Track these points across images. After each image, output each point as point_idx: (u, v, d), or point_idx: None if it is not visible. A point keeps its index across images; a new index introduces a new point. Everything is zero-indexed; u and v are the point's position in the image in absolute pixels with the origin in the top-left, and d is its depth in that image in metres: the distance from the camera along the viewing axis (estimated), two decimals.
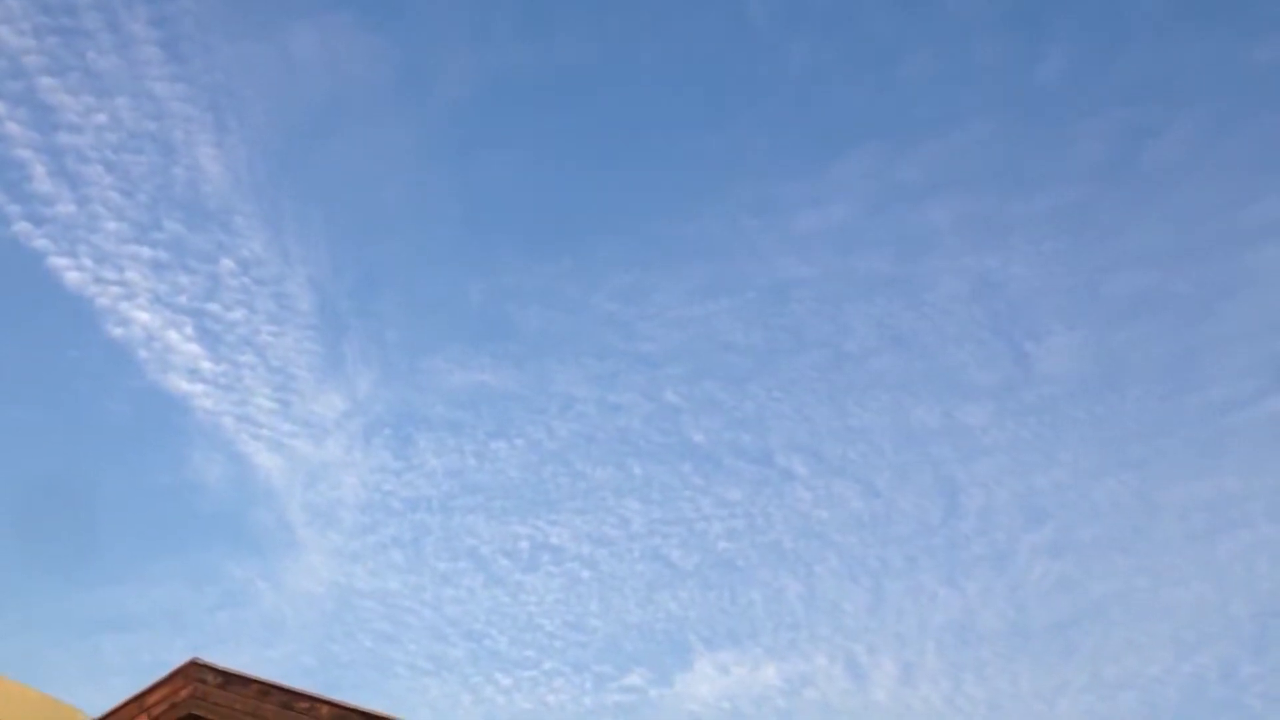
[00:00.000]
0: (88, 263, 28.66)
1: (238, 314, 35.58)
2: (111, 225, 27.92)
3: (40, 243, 28.93)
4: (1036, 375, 38.93)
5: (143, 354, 31.67)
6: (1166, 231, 39.72)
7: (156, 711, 6.15)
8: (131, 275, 28.80)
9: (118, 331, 31.04)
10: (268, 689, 5.50)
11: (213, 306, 31.62)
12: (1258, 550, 35.32)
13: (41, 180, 27.63)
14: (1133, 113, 39.26)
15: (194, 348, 31.15)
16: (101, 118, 26.99)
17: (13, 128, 26.85)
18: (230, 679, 6.02)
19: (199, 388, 32.19)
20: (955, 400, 38.75)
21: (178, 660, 6.56)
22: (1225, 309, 38.97)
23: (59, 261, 28.34)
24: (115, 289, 29.08)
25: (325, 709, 5.28)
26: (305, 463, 39.31)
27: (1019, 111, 40.07)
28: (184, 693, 6.10)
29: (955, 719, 35.10)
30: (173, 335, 29.39)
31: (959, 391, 39.25)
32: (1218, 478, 36.40)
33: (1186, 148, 39.34)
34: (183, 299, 31.53)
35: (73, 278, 28.39)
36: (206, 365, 31.70)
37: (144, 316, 28.61)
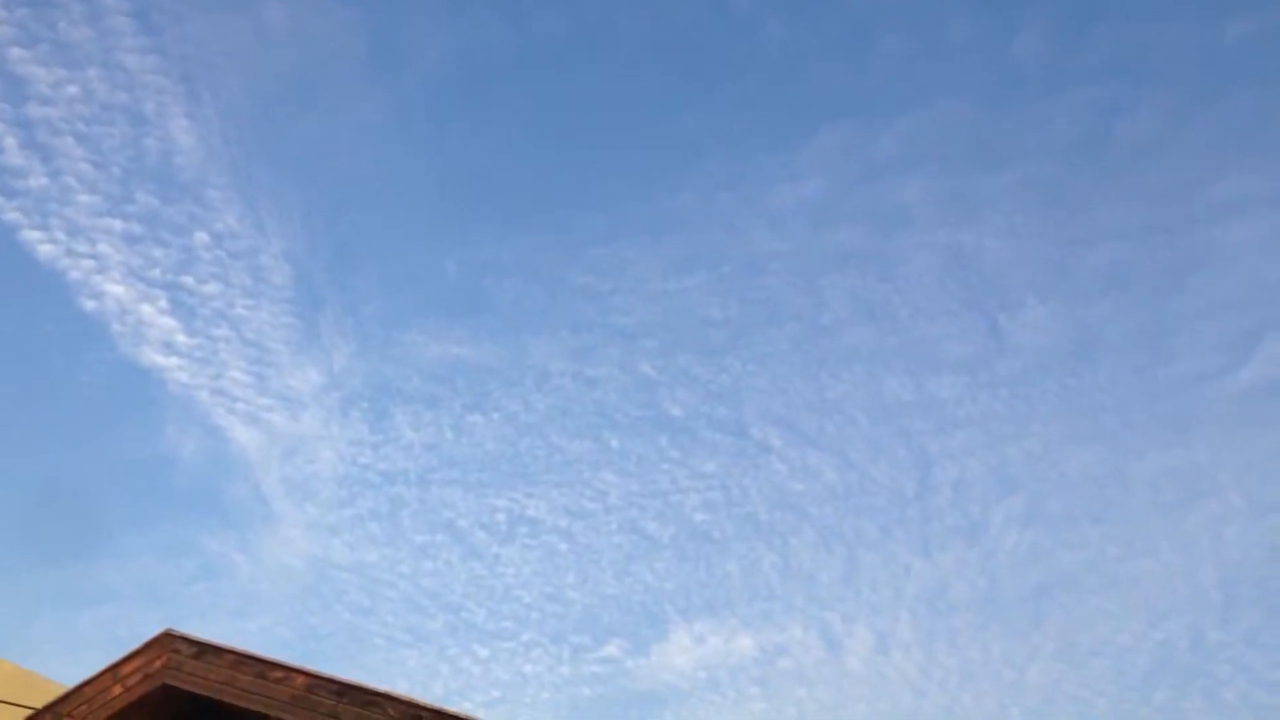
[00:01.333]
0: (60, 236, 28.38)
1: (212, 287, 35.26)
2: (84, 198, 27.66)
3: (12, 216, 28.62)
4: (1009, 348, 39.14)
5: (116, 327, 31.42)
6: (1138, 207, 39.92)
7: (131, 682, 6.17)
8: (104, 248, 28.55)
9: (91, 305, 30.75)
10: (242, 659, 5.53)
11: (187, 280, 31.36)
12: (1225, 520, 35.70)
13: (13, 153, 27.32)
14: (1105, 91, 39.35)
15: (168, 321, 30.91)
16: (73, 89, 26.69)
17: None
18: (204, 649, 6.04)
19: (173, 361, 31.98)
20: (929, 373, 38.94)
21: (153, 633, 6.58)
22: (1195, 284, 39.23)
23: (31, 235, 28.06)
24: (88, 262, 28.82)
25: (300, 678, 5.31)
26: (281, 436, 39.17)
27: (993, 89, 40.10)
28: (158, 663, 6.13)
29: (928, 687, 35.46)
30: (146, 309, 29.18)
31: (933, 364, 39.44)
32: (1187, 449, 36.74)
33: (1157, 125, 39.47)
34: (156, 272, 31.26)
35: (45, 251, 28.12)
36: (181, 339, 31.48)
37: (117, 290, 28.38)
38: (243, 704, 5.39)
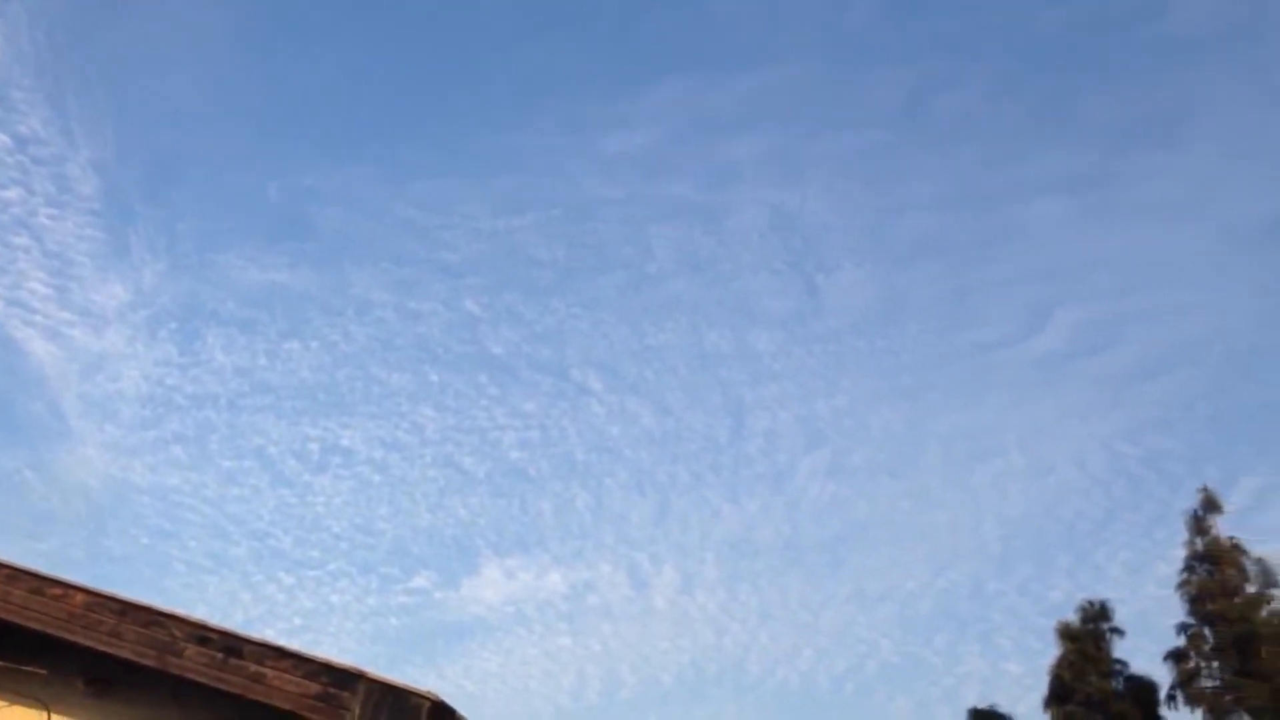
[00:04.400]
0: None
1: (12, 193, 33.07)
2: None
3: None
4: (825, 307, 40.35)
5: None
6: (950, 179, 41.46)
7: None
8: None
9: None
10: (16, 574, 5.21)
11: None
12: (1009, 478, 37.87)
13: None
14: (928, 65, 40.61)
15: None
16: None
17: None
18: None
19: None
20: (748, 326, 39.85)
21: None
22: (997, 255, 41.11)
23: None
24: None
25: (79, 596, 5.05)
26: (82, 352, 37.17)
27: (825, 54, 40.93)
28: None
29: (729, 625, 36.58)
30: None
31: (752, 318, 40.34)
32: (979, 411, 38.74)
33: (973, 102, 40.99)
34: None
35: None
36: None
37: None
38: (16, 620, 5.08)
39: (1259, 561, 23.43)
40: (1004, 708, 24.40)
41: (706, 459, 38.16)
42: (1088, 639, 23.94)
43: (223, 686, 4.70)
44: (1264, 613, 22.97)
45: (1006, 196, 40.25)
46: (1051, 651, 24.09)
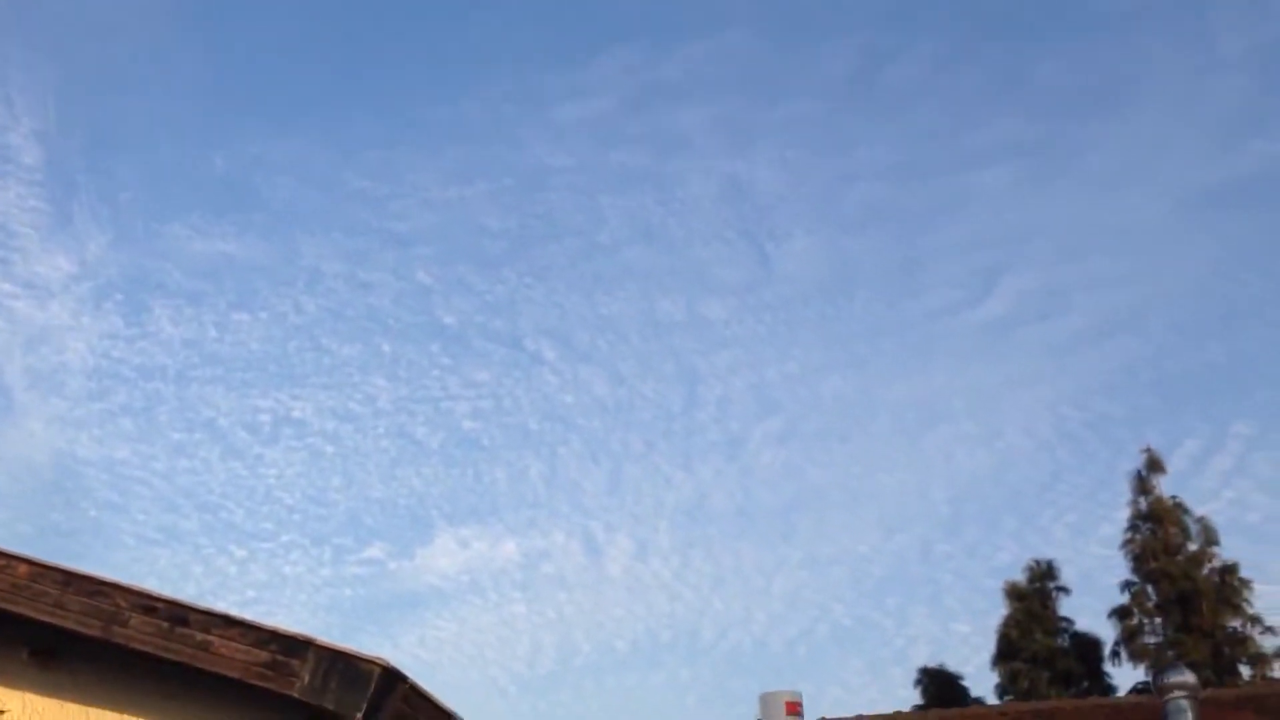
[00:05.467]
0: None
1: None
2: None
3: None
4: (776, 275, 40.43)
5: None
6: (899, 149, 41.61)
7: None
8: None
9: None
10: None
11: None
12: (956, 443, 38.28)
13: None
14: (876, 35, 40.65)
15: None
16: None
17: None
18: None
19: None
20: (700, 294, 39.87)
21: None
22: (944, 224, 41.38)
23: None
24: None
25: (22, 566, 4.98)
26: (26, 325, 36.53)
27: (775, 22, 40.80)
28: None
29: (683, 592, 36.81)
30: None
31: (704, 286, 40.36)
32: (927, 377, 39.09)
33: (922, 71, 41.11)
34: None
35: None
36: None
37: None
38: None
39: (1200, 520, 23.93)
40: (953, 666, 24.79)
41: (660, 427, 38.26)
42: (1034, 598, 24.34)
43: (169, 656, 4.66)
44: (1205, 570, 23.47)
45: (955, 165, 40.53)
46: (999, 611, 24.49)
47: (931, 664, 24.80)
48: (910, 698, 24.12)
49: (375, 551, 37.22)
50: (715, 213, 39.66)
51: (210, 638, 4.61)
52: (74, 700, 4.89)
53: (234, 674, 4.56)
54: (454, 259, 41.02)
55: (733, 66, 40.71)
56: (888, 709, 14.36)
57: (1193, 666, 11.10)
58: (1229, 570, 23.39)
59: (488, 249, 40.06)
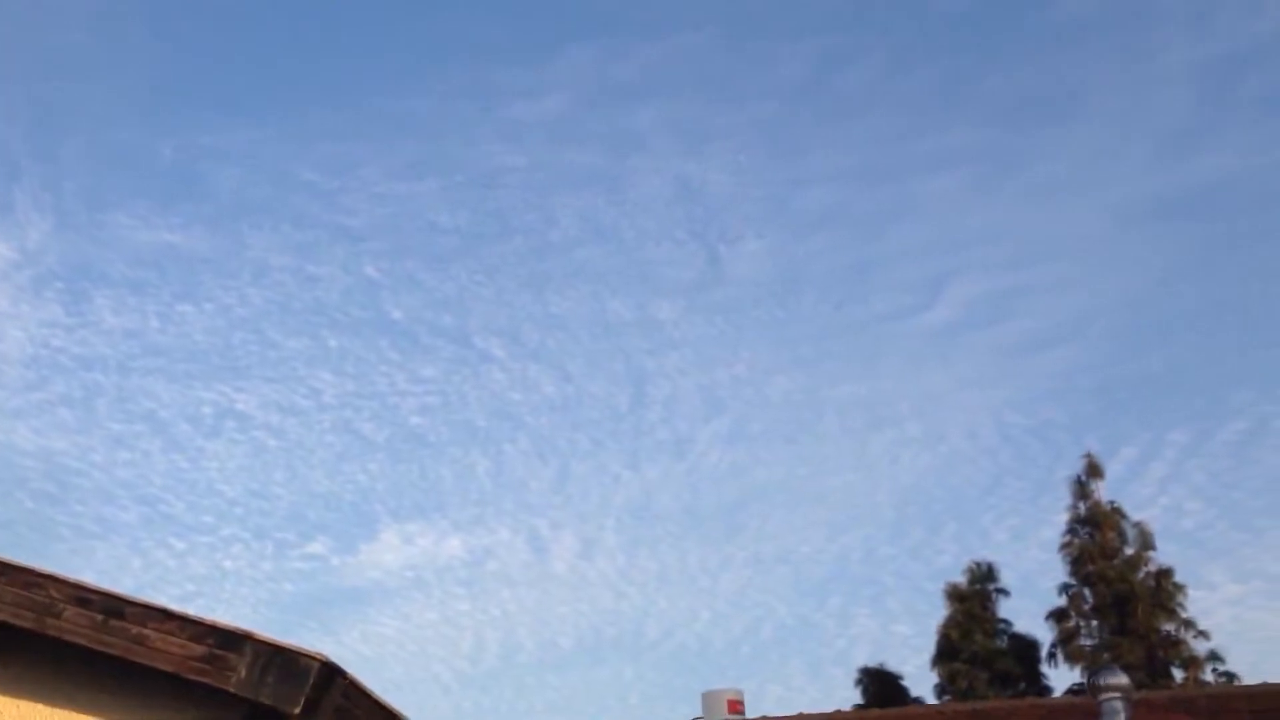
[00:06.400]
0: None
1: None
2: None
3: None
4: (727, 277, 40.55)
5: None
6: (850, 153, 41.93)
7: None
8: None
9: None
10: None
11: None
12: (902, 446, 38.62)
13: None
14: (831, 40, 40.94)
15: None
16: None
17: None
18: None
19: None
20: (650, 295, 39.88)
21: None
22: (894, 230, 41.73)
23: None
24: None
25: None
26: None
27: (730, 25, 40.91)
28: None
29: (628, 590, 36.84)
30: None
31: (654, 286, 40.38)
32: (874, 381, 39.41)
33: (874, 78, 41.43)
34: None
35: None
36: None
37: None
38: None
39: (1137, 525, 24.32)
40: (893, 666, 25.01)
41: (607, 426, 38.24)
42: (974, 599, 24.62)
43: (103, 649, 4.59)
44: (1140, 574, 23.86)
45: (905, 171, 40.86)
46: (940, 612, 24.74)
47: (872, 664, 25.02)
48: (851, 697, 24.33)
49: (318, 547, 36.89)
50: (667, 214, 39.72)
51: (146, 631, 4.55)
52: (6, 694, 4.80)
53: (170, 668, 4.50)
54: (404, 254, 40.73)
55: (688, 68, 40.76)
56: (829, 708, 14.45)
57: (1127, 669, 11.29)
58: (1164, 574, 23.79)
59: (438, 245, 39.85)
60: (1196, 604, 24.18)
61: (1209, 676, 22.81)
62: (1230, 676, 22.51)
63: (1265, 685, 12.70)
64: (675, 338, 38.91)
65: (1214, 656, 23.18)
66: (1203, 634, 23.40)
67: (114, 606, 4.64)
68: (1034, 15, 39.06)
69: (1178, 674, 23.01)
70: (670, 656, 33.76)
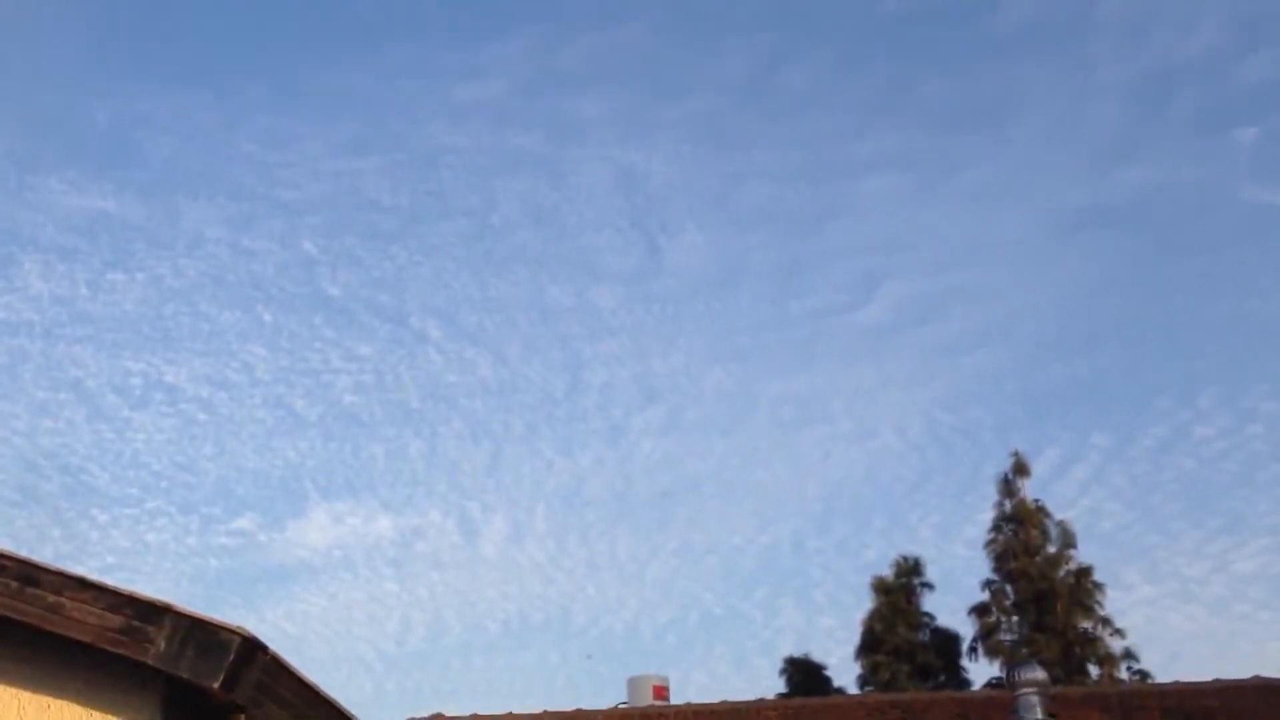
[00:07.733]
0: None
1: None
2: None
3: None
4: (666, 267, 40.59)
5: None
6: (790, 151, 42.11)
7: None
8: None
9: None
10: None
11: None
12: (833, 441, 39.02)
13: None
14: (776, 37, 41.05)
15: None
16: None
17: None
18: None
19: None
20: (589, 281, 39.79)
21: None
22: (830, 228, 42.05)
23: None
24: None
25: None
26: None
27: (676, 17, 40.90)
28: None
29: (557, 575, 36.80)
30: None
31: (593, 273, 40.30)
32: (808, 376, 39.73)
33: (817, 77, 41.66)
34: None
35: None
36: None
37: None
38: None
39: (1060, 524, 24.77)
40: (818, 657, 25.27)
41: (542, 411, 38.14)
42: (899, 592, 24.94)
43: (17, 616, 4.48)
44: (1061, 573, 24.31)
45: (842, 171, 41.22)
46: (865, 606, 25.04)
47: (797, 654, 25.26)
48: (775, 686, 24.56)
49: (245, 523, 36.43)
50: (609, 202, 39.68)
51: (62, 600, 4.45)
52: None
53: (86, 638, 4.41)
54: (342, 231, 40.29)
55: (633, 58, 40.69)
56: (753, 696, 14.57)
57: (1044, 664, 11.50)
58: (1084, 573, 24.27)
59: (378, 223, 39.43)
60: (1113, 603, 24.72)
61: (1123, 674, 23.33)
62: (1143, 675, 23.04)
63: (1175, 684, 13.03)
64: (613, 325, 38.91)
65: (1128, 655, 23.74)
66: (1118, 632, 23.94)
67: (29, 574, 4.53)
68: (975, 23, 39.55)
69: (1093, 671, 23.50)
70: (597, 642, 33.78)
